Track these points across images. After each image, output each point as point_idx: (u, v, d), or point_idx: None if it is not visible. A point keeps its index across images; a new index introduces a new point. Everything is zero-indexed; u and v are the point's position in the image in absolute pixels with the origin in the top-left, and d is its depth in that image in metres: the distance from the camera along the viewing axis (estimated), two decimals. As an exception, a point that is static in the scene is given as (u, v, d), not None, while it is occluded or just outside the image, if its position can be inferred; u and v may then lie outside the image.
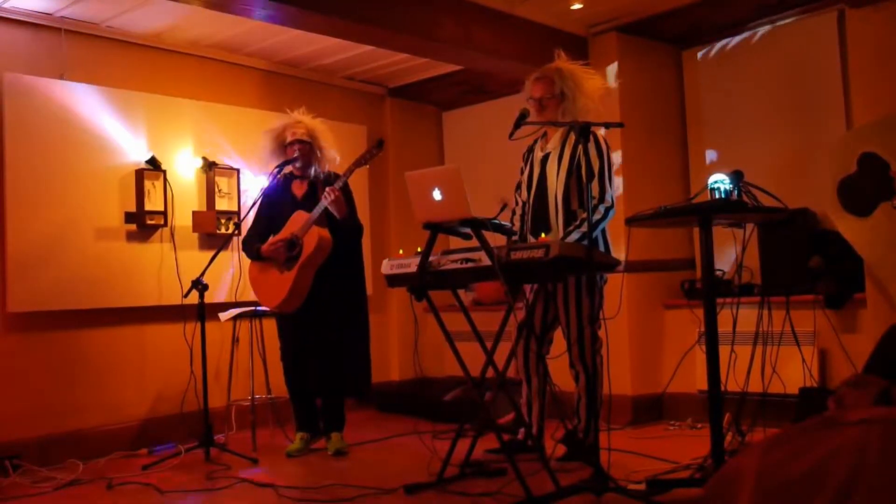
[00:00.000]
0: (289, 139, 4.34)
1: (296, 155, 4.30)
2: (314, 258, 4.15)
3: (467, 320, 3.66)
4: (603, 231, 3.77)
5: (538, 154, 3.91)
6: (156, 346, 4.77)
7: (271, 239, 4.28)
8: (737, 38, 4.95)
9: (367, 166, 4.40)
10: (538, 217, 3.82)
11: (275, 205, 4.38)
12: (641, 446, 4.05)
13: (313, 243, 4.12)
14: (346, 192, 4.26)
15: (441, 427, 4.52)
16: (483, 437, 3.69)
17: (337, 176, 4.29)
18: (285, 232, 4.24)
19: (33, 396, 4.29)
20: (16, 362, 4.26)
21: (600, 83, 3.85)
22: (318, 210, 4.14)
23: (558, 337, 3.86)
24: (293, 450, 4.29)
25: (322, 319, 4.24)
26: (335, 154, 4.40)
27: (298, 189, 4.38)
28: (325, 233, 4.17)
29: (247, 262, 4.52)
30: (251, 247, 4.37)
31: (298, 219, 4.22)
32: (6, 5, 4.26)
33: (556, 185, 3.75)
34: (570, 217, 3.71)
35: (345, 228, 4.23)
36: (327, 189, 4.13)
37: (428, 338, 5.80)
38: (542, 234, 3.64)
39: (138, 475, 3.93)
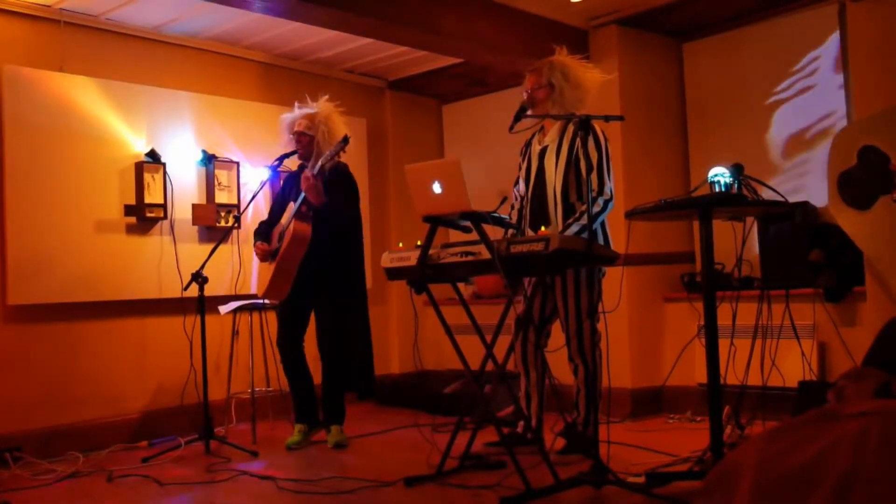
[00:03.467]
0: (294, 129, 4.36)
1: (295, 148, 4.33)
2: (290, 251, 4.18)
3: (467, 313, 3.66)
4: (603, 224, 3.76)
5: (536, 148, 3.91)
6: (156, 339, 4.77)
7: (274, 238, 4.34)
8: (738, 31, 4.94)
9: (367, 160, 4.41)
10: (537, 211, 3.81)
11: (285, 195, 4.43)
12: (641, 439, 4.05)
13: (288, 237, 4.17)
14: (335, 181, 4.24)
15: (441, 420, 4.53)
16: (482, 429, 3.69)
17: (344, 166, 4.31)
18: (281, 223, 4.30)
19: (33, 389, 4.29)
20: (16, 355, 4.27)
21: (596, 76, 3.85)
22: (297, 203, 4.18)
23: (557, 330, 3.86)
24: (293, 442, 4.30)
25: (316, 309, 4.30)
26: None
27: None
28: (302, 226, 4.18)
29: (246, 255, 4.54)
30: (255, 238, 4.45)
31: (289, 211, 4.26)
32: (5, -3, 4.26)
33: (554, 179, 3.75)
34: (568, 210, 3.71)
35: (330, 217, 4.22)
36: (303, 175, 4.14)
37: (428, 331, 5.80)
38: (542, 228, 3.64)
39: (138, 467, 3.94)
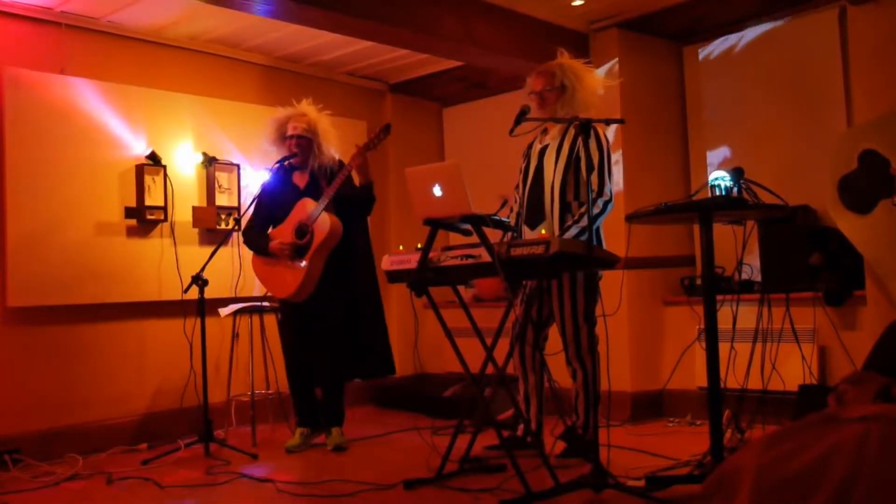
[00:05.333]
0: (289, 132, 4.34)
1: (294, 150, 4.32)
2: (326, 244, 4.16)
3: (467, 316, 3.66)
4: (597, 228, 3.76)
5: (537, 147, 3.92)
6: (156, 342, 4.77)
7: (278, 238, 4.25)
8: (738, 35, 4.94)
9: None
10: (533, 207, 3.80)
11: (276, 195, 4.38)
12: (641, 443, 4.05)
13: (326, 229, 4.13)
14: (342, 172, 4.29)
15: (440, 423, 4.53)
16: (482, 433, 3.69)
17: (340, 169, 4.34)
18: (292, 220, 4.24)
19: (33, 391, 4.29)
20: (16, 357, 4.26)
21: (599, 80, 3.88)
22: (326, 197, 4.16)
23: (556, 333, 3.85)
24: (293, 445, 4.29)
25: (328, 308, 4.26)
26: (335, 153, 4.41)
27: (300, 180, 4.39)
28: (334, 218, 4.18)
29: (247, 257, 4.52)
30: (258, 240, 4.33)
31: (305, 206, 4.22)
32: (7, 0, 4.26)
33: (553, 177, 3.75)
34: (565, 209, 3.71)
35: (358, 201, 4.29)
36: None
37: (428, 334, 5.80)
38: (539, 226, 3.64)
39: (138, 470, 3.94)
